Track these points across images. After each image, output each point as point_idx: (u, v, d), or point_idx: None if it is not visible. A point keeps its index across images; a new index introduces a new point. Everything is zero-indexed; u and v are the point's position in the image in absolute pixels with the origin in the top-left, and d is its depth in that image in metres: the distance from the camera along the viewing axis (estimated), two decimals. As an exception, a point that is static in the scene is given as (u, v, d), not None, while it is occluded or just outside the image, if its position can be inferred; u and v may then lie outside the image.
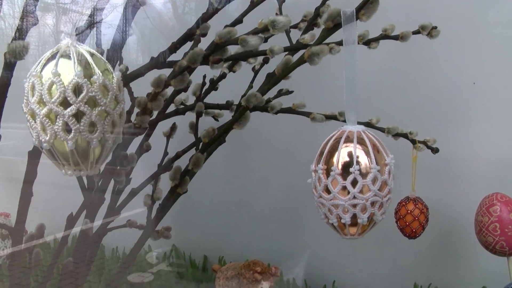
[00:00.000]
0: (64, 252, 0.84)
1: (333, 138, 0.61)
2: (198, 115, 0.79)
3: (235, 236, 1.07)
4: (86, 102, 0.52)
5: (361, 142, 0.60)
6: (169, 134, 0.84)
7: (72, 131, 0.53)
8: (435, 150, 0.85)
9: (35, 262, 0.78)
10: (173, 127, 0.85)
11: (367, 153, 0.59)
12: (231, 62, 0.81)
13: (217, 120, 0.88)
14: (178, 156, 0.79)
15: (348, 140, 0.60)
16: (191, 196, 1.03)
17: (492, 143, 0.91)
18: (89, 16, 0.84)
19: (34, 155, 0.69)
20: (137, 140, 0.83)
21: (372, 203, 0.58)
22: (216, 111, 0.89)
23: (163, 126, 0.85)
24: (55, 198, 1.12)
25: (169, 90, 0.83)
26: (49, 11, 1.08)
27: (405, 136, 0.84)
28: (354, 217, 0.59)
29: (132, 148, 0.82)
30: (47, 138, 0.53)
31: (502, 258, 0.79)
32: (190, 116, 0.85)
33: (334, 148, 0.60)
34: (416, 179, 0.86)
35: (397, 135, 0.84)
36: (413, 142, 0.85)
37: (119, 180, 0.81)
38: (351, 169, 0.57)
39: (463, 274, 0.94)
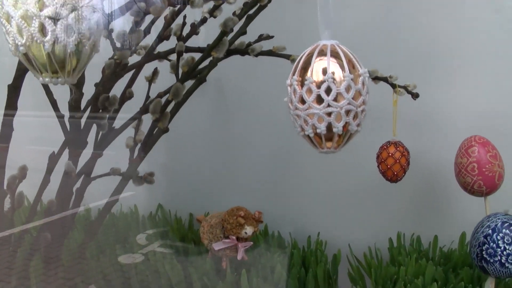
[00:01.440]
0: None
1: (307, 52, 0.62)
2: (179, 54, 0.79)
3: (221, 194, 1.07)
4: (63, 4, 0.53)
5: (335, 55, 0.60)
6: (151, 79, 0.85)
7: (49, 33, 0.53)
8: (415, 95, 0.86)
9: (18, 204, 0.78)
10: (155, 72, 0.86)
11: (341, 65, 0.60)
12: (212, 6, 0.83)
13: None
14: (159, 96, 0.80)
15: (322, 53, 0.61)
16: (176, 155, 1.04)
17: (470, 92, 0.92)
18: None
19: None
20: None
21: (347, 112, 0.59)
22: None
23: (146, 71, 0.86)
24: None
25: (151, 40, 0.84)
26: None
27: (385, 80, 0.86)
28: (330, 127, 0.59)
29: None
30: (23, 41, 0.54)
31: (480, 203, 0.80)
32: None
33: (308, 62, 0.61)
34: (396, 129, 0.87)
35: (376, 78, 0.86)
36: (393, 86, 0.86)
37: (101, 124, 0.82)
38: (324, 77, 0.58)
39: (444, 222, 0.94)
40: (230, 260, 0.91)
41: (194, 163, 1.10)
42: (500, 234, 0.74)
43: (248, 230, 0.87)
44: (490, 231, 0.74)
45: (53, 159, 0.77)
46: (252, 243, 0.90)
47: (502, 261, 0.73)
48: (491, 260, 0.74)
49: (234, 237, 0.87)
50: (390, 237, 0.95)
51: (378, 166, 0.87)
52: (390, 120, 0.87)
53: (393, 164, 0.86)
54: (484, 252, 0.74)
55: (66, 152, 0.82)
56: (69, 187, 0.79)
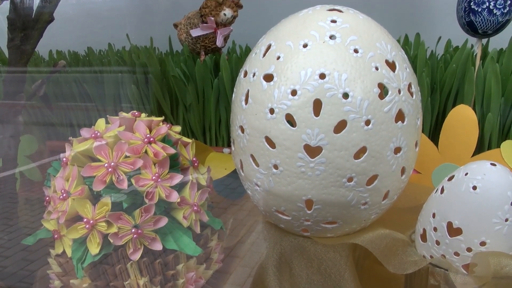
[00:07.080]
0: None
1: None
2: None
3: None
4: None
5: None
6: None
7: None
8: None
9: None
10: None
11: None
12: None
13: None
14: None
15: None
16: None
17: None
18: None
19: None
20: None
21: None
22: None
23: None
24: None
25: None
26: None
27: None
28: None
29: None
30: None
31: None
32: None
33: None
34: None
35: None
36: None
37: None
38: None
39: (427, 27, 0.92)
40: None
41: None
42: (489, -20, 0.71)
43: (227, 12, 0.84)
44: (478, -20, 0.72)
45: None
46: (232, 28, 0.86)
47: (490, 7, 0.70)
48: (479, 9, 0.71)
49: (212, 19, 0.83)
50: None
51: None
52: None
53: None
54: (472, 3, 0.71)
55: None
56: None
